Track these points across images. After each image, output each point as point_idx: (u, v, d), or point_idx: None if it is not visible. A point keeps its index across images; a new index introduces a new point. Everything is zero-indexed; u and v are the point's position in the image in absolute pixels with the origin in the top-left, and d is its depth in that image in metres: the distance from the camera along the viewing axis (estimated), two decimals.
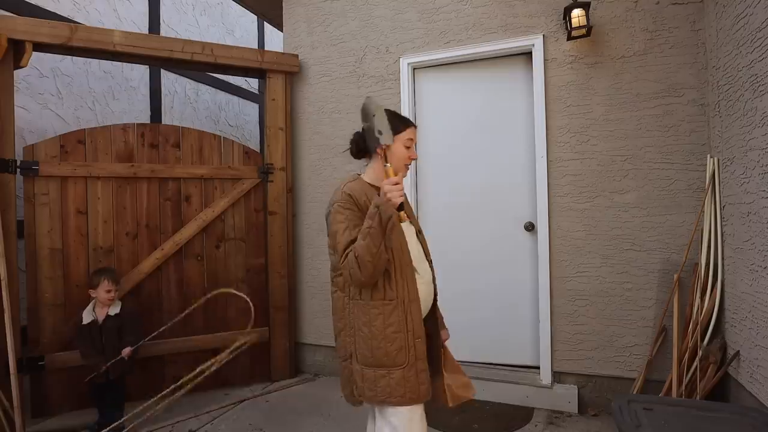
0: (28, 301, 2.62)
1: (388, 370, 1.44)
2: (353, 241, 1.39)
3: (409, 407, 1.46)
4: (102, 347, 2.43)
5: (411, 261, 1.50)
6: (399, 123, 1.56)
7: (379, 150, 1.44)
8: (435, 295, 1.66)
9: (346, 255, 1.39)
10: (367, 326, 1.46)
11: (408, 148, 1.57)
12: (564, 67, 2.69)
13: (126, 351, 2.44)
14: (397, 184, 1.31)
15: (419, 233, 1.65)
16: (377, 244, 1.33)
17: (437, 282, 1.68)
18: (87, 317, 2.48)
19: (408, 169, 1.60)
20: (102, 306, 2.50)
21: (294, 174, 3.41)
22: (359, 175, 1.59)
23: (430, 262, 1.65)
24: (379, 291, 1.46)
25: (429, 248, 1.68)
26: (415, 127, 1.61)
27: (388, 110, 1.50)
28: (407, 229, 1.55)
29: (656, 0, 2.50)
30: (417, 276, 1.51)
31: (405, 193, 1.42)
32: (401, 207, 1.34)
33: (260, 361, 3.19)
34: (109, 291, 2.47)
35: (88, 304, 2.51)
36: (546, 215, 2.70)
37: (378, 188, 1.46)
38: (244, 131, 5.57)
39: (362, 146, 1.57)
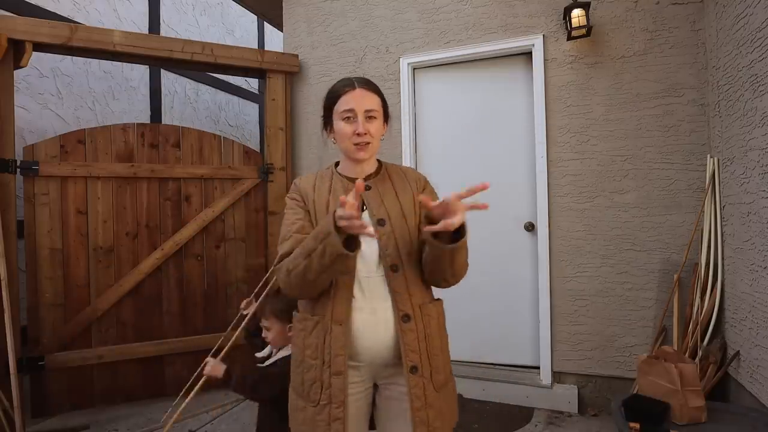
0: (28, 301, 2.62)
1: (305, 404, 1.12)
2: (291, 252, 1.10)
3: None
4: None
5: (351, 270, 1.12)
6: (331, 94, 1.18)
7: (329, 137, 1.20)
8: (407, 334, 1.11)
9: (281, 258, 1.12)
10: (294, 344, 1.20)
11: (348, 120, 1.14)
12: (564, 67, 2.68)
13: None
14: (350, 215, 0.91)
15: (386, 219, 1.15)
16: (314, 272, 1.02)
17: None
18: None
19: (362, 150, 1.15)
20: None
21: (294, 174, 3.41)
22: (337, 163, 1.28)
23: (392, 268, 1.12)
24: (307, 303, 1.16)
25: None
26: (358, 88, 1.14)
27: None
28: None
29: (656, 0, 2.50)
30: (356, 292, 1.12)
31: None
32: (354, 240, 0.99)
33: None
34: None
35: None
36: (546, 215, 2.70)
37: (352, 180, 1.19)
38: (244, 131, 5.56)
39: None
